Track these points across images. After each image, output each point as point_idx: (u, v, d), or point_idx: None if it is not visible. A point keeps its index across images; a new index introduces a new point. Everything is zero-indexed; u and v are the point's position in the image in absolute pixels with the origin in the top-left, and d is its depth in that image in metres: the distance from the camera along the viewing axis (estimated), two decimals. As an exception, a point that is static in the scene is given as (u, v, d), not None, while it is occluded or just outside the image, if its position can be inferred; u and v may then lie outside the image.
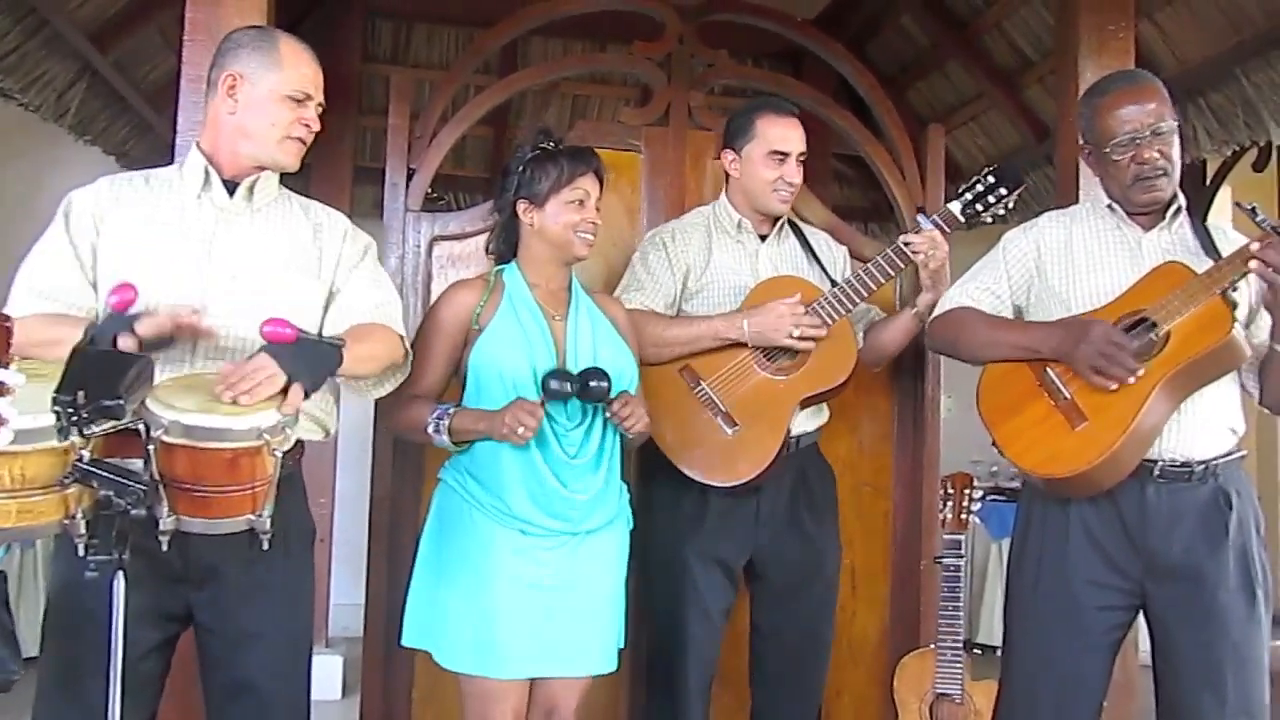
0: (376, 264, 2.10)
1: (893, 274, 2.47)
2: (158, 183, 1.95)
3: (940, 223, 2.46)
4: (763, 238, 2.62)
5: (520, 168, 2.26)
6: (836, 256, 2.72)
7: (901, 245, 2.44)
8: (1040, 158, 4.45)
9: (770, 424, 2.44)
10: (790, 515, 2.53)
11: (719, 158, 2.68)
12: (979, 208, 2.47)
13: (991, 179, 2.46)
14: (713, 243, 2.59)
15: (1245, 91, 3.57)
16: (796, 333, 2.39)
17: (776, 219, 2.63)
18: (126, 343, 1.64)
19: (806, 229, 2.73)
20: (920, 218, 2.50)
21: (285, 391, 1.63)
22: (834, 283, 2.53)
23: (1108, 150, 2.10)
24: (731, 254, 2.59)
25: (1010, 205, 2.49)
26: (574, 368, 2.17)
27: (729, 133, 2.62)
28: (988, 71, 4.65)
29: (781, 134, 2.53)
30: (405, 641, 2.20)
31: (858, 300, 2.46)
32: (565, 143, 2.32)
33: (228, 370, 1.62)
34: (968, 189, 2.48)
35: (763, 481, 2.44)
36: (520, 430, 2.01)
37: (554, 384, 2.08)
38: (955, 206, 2.47)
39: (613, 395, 2.13)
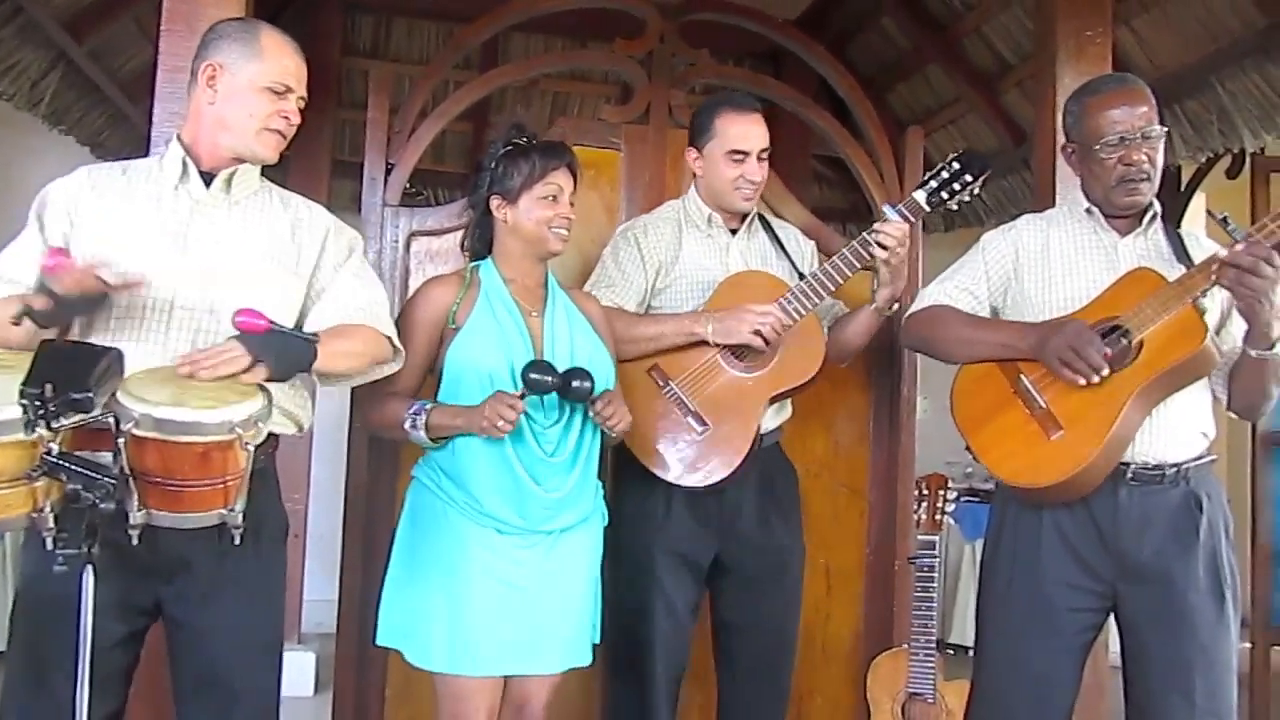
0: (363, 262, 2.09)
1: (859, 266, 2.43)
2: (135, 173, 1.94)
3: (905, 212, 2.40)
4: (733, 232, 2.61)
5: (493, 163, 2.25)
6: (805, 251, 2.71)
7: (866, 237, 2.41)
8: (1017, 161, 4.48)
9: (740, 422, 2.43)
10: (757, 514, 2.52)
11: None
12: (944, 195, 2.41)
13: (957, 165, 2.40)
14: (683, 236, 2.58)
15: (1220, 99, 3.61)
16: (763, 329, 2.36)
17: (745, 214, 2.62)
18: (39, 301, 1.64)
19: (776, 223, 2.73)
20: (886, 207, 2.44)
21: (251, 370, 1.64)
22: (802, 276, 2.51)
23: (1096, 148, 2.10)
24: (702, 248, 2.58)
25: (976, 192, 2.42)
26: (552, 363, 2.17)
27: (692, 130, 2.61)
28: (967, 75, 4.67)
29: (740, 132, 2.51)
30: (379, 641, 2.18)
31: (824, 294, 2.44)
32: (553, 139, 2.31)
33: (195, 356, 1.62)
34: (932, 177, 2.41)
35: (733, 481, 2.43)
36: (500, 424, 2.00)
37: (534, 376, 2.05)
38: (920, 195, 2.41)
39: (595, 394, 2.12)
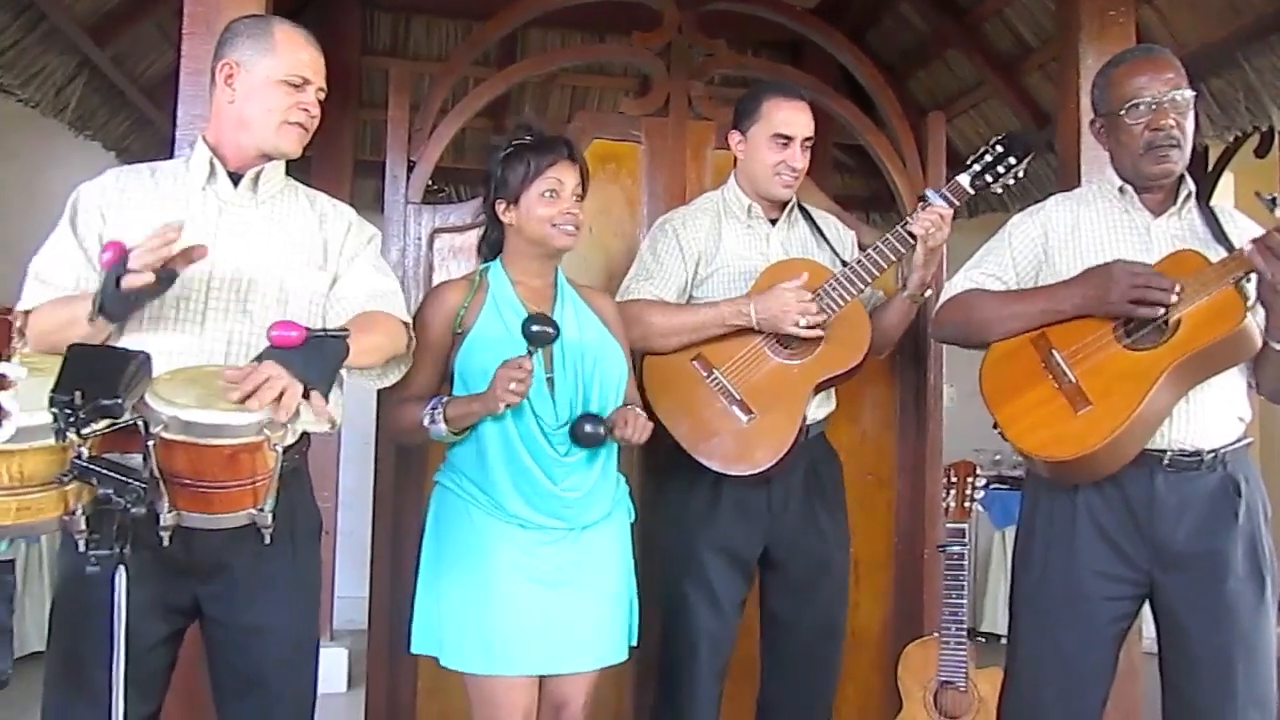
0: (379, 254, 2.09)
1: (903, 252, 2.42)
2: (163, 175, 1.95)
3: (949, 196, 2.39)
4: (773, 222, 2.59)
5: (496, 168, 2.23)
6: (845, 240, 2.69)
7: (910, 221, 2.40)
8: (1041, 144, 4.43)
9: (786, 410, 2.41)
10: (803, 506, 2.51)
11: (724, 145, 2.66)
12: (988, 179, 2.40)
13: (1000, 149, 2.39)
14: (722, 228, 2.56)
15: (1247, 76, 3.55)
16: (803, 321, 2.36)
17: (785, 204, 2.60)
18: (132, 280, 1.61)
19: (816, 213, 2.70)
20: (929, 192, 2.43)
21: (308, 397, 1.62)
22: (844, 264, 2.49)
23: (1122, 114, 2.07)
24: (741, 239, 2.56)
25: (1021, 174, 2.42)
26: (562, 365, 2.15)
27: (737, 114, 2.58)
28: (988, 59, 4.63)
29: (786, 117, 2.49)
30: (414, 649, 2.17)
31: (868, 281, 2.42)
32: (550, 133, 2.26)
33: (236, 375, 1.57)
34: (975, 160, 2.41)
35: (780, 470, 2.42)
36: (513, 386, 1.98)
37: (535, 328, 2.02)
38: (964, 179, 2.41)
39: (607, 430, 2.11)
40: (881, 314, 2.58)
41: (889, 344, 2.64)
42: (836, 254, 2.59)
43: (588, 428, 2.09)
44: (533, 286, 2.24)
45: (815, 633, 2.55)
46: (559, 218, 2.18)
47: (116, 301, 1.66)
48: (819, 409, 2.54)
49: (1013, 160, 2.39)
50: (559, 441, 2.12)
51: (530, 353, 2.03)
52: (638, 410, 2.18)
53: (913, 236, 2.39)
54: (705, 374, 2.44)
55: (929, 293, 2.50)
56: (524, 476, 2.09)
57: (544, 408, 2.12)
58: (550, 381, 2.14)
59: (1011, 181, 2.43)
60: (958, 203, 2.41)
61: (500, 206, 2.22)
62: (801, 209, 2.66)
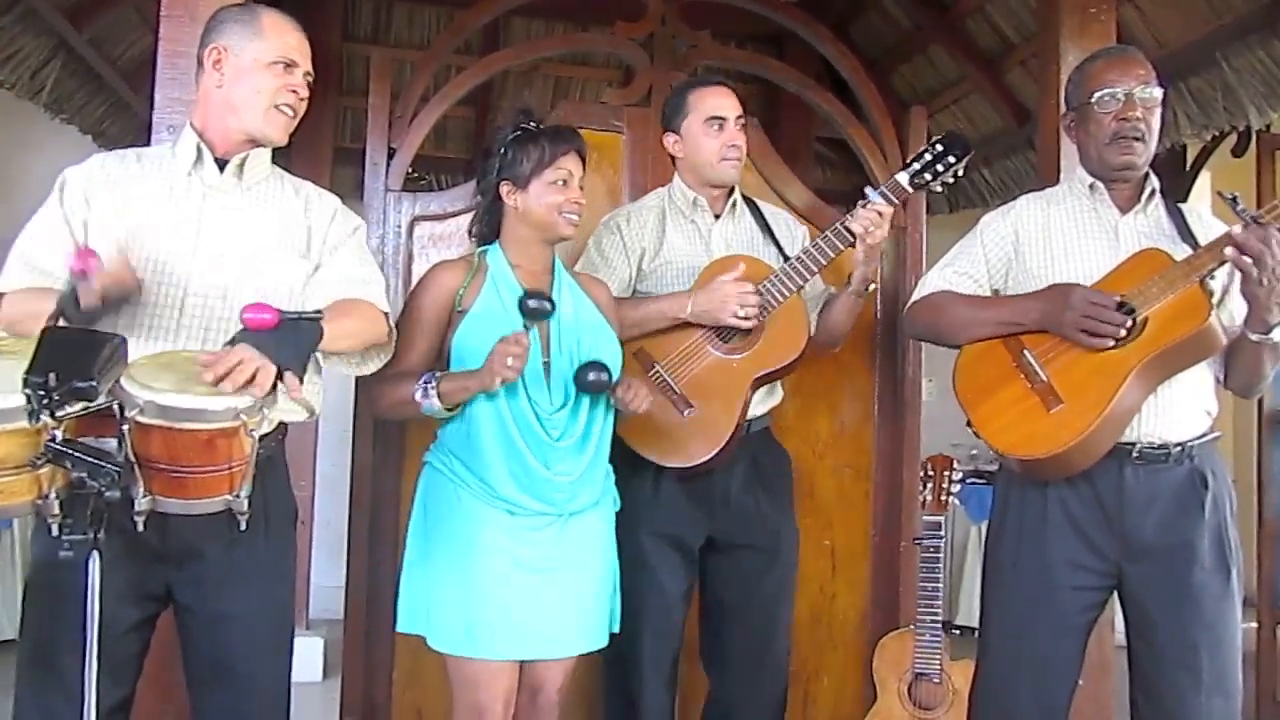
0: (363, 245, 2.09)
1: (841, 248, 2.43)
2: (149, 161, 1.95)
3: (888, 194, 2.42)
4: (717, 217, 2.60)
5: (502, 149, 2.24)
6: (795, 235, 2.69)
7: (848, 218, 2.42)
8: (1021, 141, 4.46)
9: (725, 404, 2.43)
10: (746, 497, 2.52)
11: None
12: (927, 177, 2.43)
13: (940, 147, 2.43)
14: (667, 224, 2.58)
15: (1225, 76, 3.58)
16: (741, 312, 2.37)
17: (731, 195, 2.61)
18: (85, 300, 1.61)
19: (765, 206, 2.70)
20: (868, 190, 2.45)
21: (282, 379, 1.61)
22: (786, 259, 2.51)
23: (1092, 103, 2.11)
24: (685, 235, 2.58)
25: (960, 173, 2.45)
26: (558, 350, 2.17)
27: (665, 117, 2.61)
28: (970, 54, 4.65)
29: (715, 102, 2.52)
30: (401, 627, 2.18)
31: (807, 277, 2.44)
32: (546, 123, 2.29)
33: (210, 359, 1.57)
34: (915, 159, 2.45)
35: (719, 464, 2.44)
36: (510, 362, 1.99)
37: (532, 303, 2.06)
38: (903, 177, 2.44)
39: (614, 383, 2.12)
40: (828, 310, 2.59)
41: (837, 339, 2.65)
42: (781, 250, 2.59)
43: (591, 375, 2.10)
44: (531, 270, 2.26)
45: (760, 625, 2.55)
46: (567, 206, 2.21)
47: (77, 310, 1.63)
48: (761, 404, 2.55)
49: (952, 159, 2.43)
50: (553, 426, 2.14)
51: (527, 328, 2.05)
52: (640, 383, 2.19)
53: (850, 233, 2.41)
54: (646, 368, 2.45)
55: (873, 288, 2.53)
56: (517, 460, 2.10)
57: (539, 392, 2.13)
58: (546, 366, 2.16)
59: (951, 180, 2.46)
60: (896, 201, 2.43)
61: (506, 188, 2.24)
62: (749, 202, 2.67)
